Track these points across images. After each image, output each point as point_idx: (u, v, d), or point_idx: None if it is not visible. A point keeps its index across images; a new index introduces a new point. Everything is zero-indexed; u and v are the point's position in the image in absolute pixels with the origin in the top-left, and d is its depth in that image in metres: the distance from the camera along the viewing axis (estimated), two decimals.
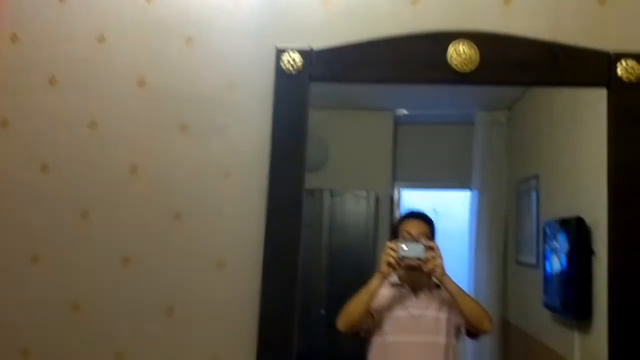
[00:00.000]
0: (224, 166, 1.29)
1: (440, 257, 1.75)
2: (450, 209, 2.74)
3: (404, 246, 1.74)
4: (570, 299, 1.77)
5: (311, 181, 2.40)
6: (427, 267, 1.74)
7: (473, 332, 1.79)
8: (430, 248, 1.75)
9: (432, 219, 1.91)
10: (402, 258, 1.75)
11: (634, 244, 1.36)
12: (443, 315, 1.80)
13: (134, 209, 1.29)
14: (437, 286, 1.79)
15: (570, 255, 1.78)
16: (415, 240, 1.82)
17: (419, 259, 1.76)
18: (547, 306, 2.01)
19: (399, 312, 1.82)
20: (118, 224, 1.29)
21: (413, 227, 1.85)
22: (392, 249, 1.74)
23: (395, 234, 1.87)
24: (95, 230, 1.29)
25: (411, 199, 2.51)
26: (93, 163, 1.29)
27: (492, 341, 2.45)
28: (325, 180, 2.44)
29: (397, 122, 2.67)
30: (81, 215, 1.29)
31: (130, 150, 1.30)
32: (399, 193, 2.66)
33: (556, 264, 1.92)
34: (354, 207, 2.57)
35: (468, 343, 2.46)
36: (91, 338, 1.27)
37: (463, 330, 1.78)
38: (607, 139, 1.34)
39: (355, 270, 2.22)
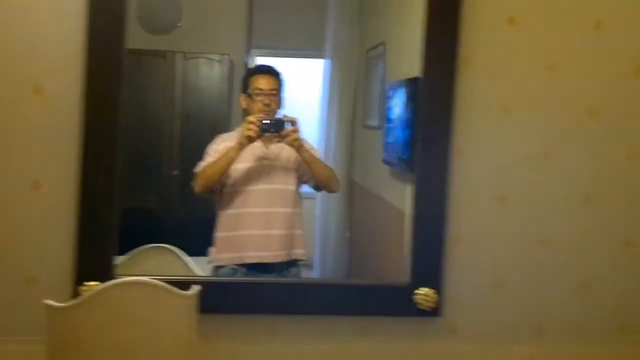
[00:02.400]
0: None
1: (299, 130, 1.82)
2: (304, 77, 2.80)
3: (265, 121, 1.80)
4: (406, 154, 1.90)
5: (163, 43, 2.33)
6: (287, 141, 1.81)
7: (318, 187, 1.93)
8: (290, 122, 1.81)
9: (281, 74, 1.96)
10: (263, 132, 1.80)
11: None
12: (292, 165, 1.89)
13: None
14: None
15: (409, 114, 1.85)
16: (270, 94, 1.87)
17: (279, 132, 1.81)
18: (386, 162, 2.14)
19: (251, 164, 1.88)
20: None
21: (264, 83, 1.91)
22: (253, 123, 1.78)
23: (245, 87, 1.91)
24: None
25: None
26: None
27: (339, 198, 2.63)
28: (178, 42, 2.37)
29: None
30: None
31: None
32: (253, 60, 2.67)
33: (396, 122, 2.02)
34: (208, 71, 2.53)
35: (317, 201, 2.63)
36: None
37: (310, 183, 1.92)
38: None
39: (210, 133, 2.23)
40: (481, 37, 1.57)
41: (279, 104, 1.92)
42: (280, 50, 2.71)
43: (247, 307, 1.51)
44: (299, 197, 1.94)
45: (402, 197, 1.98)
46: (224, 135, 1.88)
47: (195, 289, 1.24)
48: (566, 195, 1.64)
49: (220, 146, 1.84)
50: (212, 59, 2.51)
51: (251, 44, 2.63)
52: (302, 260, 1.94)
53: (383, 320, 1.59)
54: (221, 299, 1.45)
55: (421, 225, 1.57)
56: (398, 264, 1.90)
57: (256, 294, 1.54)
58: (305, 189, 1.97)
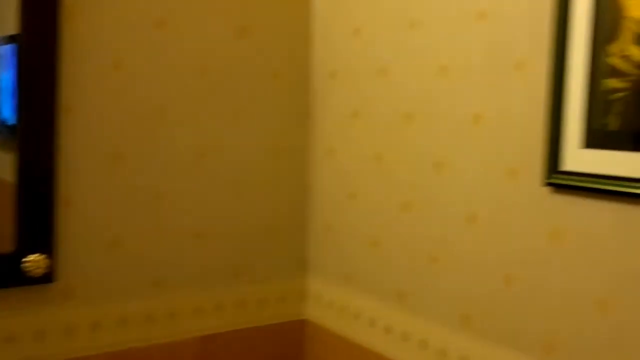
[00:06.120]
0: None
1: None
2: None
3: None
4: (11, 119, 1.70)
5: None
6: None
7: None
8: None
9: None
10: None
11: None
12: None
13: None
14: None
15: (9, 75, 1.67)
16: None
17: None
18: None
19: None
20: None
21: None
22: None
23: None
24: None
25: None
26: None
27: None
28: None
29: None
30: None
31: None
32: None
33: None
34: None
35: None
36: None
37: None
38: None
39: None
40: None
41: None
42: None
43: None
44: None
45: (7, 166, 1.81)
46: None
47: None
48: (182, 148, 1.67)
49: None
50: None
51: None
52: None
53: None
54: None
55: (26, 190, 1.45)
56: (5, 236, 1.76)
57: None
58: None
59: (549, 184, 1.24)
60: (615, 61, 1.13)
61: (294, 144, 1.86)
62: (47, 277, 1.46)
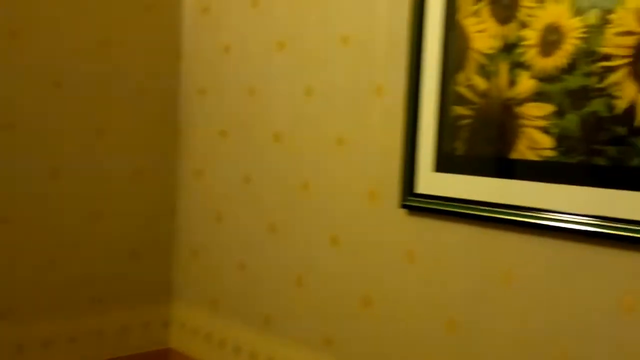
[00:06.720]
0: None
1: None
2: None
3: None
4: None
5: None
6: None
7: None
8: None
9: None
10: None
11: None
12: None
13: None
14: None
15: None
16: None
17: None
18: None
19: None
20: None
21: None
22: None
23: None
24: None
25: None
26: None
27: None
28: None
29: None
30: None
31: None
32: None
33: None
34: None
35: None
36: None
37: None
38: None
39: None
40: None
41: None
42: None
43: None
44: None
45: None
46: None
47: None
48: (31, 168, 1.57)
49: None
50: None
51: None
52: None
53: None
54: None
55: None
56: None
57: None
58: None
59: (404, 206, 1.27)
60: (462, 90, 1.19)
61: (160, 163, 1.80)
62: None
